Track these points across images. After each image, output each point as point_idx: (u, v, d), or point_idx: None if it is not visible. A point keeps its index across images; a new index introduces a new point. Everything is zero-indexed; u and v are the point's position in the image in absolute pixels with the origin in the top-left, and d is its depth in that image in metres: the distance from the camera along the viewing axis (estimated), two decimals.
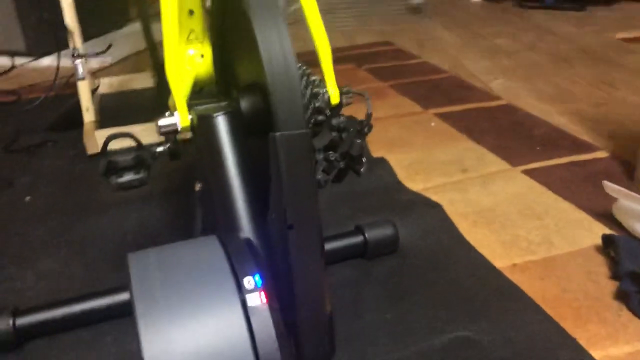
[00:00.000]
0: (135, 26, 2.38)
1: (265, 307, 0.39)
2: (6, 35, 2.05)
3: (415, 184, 1.10)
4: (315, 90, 0.54)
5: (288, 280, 0.44)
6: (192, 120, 0.54)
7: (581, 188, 1.06)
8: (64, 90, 1.56)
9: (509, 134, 1.31)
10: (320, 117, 0.53)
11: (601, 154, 1.20)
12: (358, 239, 0.86)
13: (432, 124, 1.40)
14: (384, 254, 0.88)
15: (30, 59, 2.01)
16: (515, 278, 0.82)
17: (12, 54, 2.03)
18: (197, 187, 0.57)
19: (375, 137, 1.30)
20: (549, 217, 0.97)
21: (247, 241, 0.44)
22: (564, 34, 2.22)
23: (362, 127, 0.54)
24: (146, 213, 1.01)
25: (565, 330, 0.72)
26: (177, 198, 1.05)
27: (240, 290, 0.39)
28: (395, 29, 2.38)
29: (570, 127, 1.35)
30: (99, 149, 1.25)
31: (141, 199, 1.04)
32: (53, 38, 1.44)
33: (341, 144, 0.52)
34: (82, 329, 0.74)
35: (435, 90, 1.63)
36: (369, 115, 0.54)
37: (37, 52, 2.00)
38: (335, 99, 0.57)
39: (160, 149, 0.76)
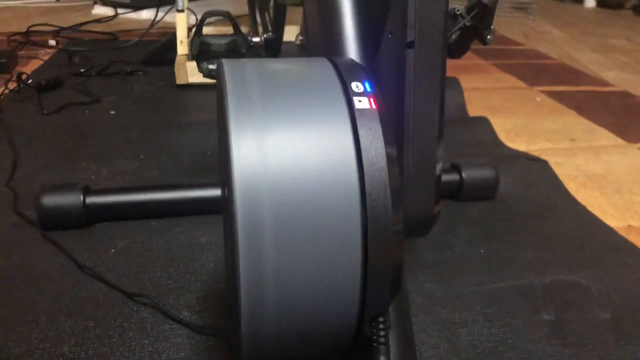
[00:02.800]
0: None
1: (375, 112, 0.32)
2: None
3: (517, 145, 1.00)
4: None
5: (397, 111, 0.37)
6: None
7: None
8: (158, 37, 1.57)
9: (624, 114, 1.19)
10: None
11: None
12: (453, 177, 0.78)
13: (538, 98, 1.29)
14: (481, 198, 0.79)
15: (131, 10, 2.05)
16: (632, 238, 0.71)
17: (117, 5, 2.08)
18: (299, 39, 0.52)
19: (475, 103, 1.21)
20: None
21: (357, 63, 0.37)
22: None
23: None
24: None
25: None
26: None
27: (347, 92, 0.33)
28: (499, 21, 2.27)
29: None
30: (188, 81, 1.23)
31: None
32: None
33: None
34: (152, 219, 0.70)
35: (542, 72, 1.52)
36: None
37: (138, 5, 2.05)
38: None
39: (256, 39, 0.71)
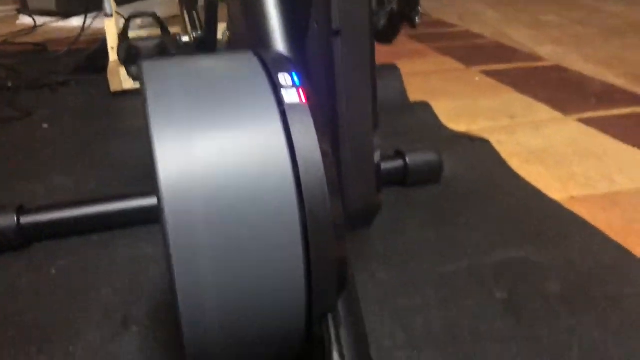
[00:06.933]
0: None
1: (305, 105, 0.31)
2: None
3: (458, 126, 1.01)
4: None
5: (330, 102, 0.36)
6: None
7: None
8: (89, 45, 1.52)
9: (560, 88, 1.22)
10: None
11: None
12: (397, 163, 0.78)
13: (476, 78, 1.31)
14: (426, 182, 0.79)
15: (60, 18, 1.99)
16: (575, 209, 0.73)
17: (44, 13, 2.01)
18: (226, 35, 0.50)
19: (415, 87, 1.21)
20: (608, 158, 0.88)
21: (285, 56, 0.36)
22: (613, 12, 2.11)
23: None
24: None
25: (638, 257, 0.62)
26: None
27: (275, 86, 0.32)
28: (431, 5, 2.30)
29: (627, 86, 1.24)
30: (122, 87, 1.20)
31: None
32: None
33: None
34: (93, 234, 0.67)
35: (478, 52, 1.54)
36: None
37: (66, 12, 1.98)
38: None
39: (185, 38, 0.69)
